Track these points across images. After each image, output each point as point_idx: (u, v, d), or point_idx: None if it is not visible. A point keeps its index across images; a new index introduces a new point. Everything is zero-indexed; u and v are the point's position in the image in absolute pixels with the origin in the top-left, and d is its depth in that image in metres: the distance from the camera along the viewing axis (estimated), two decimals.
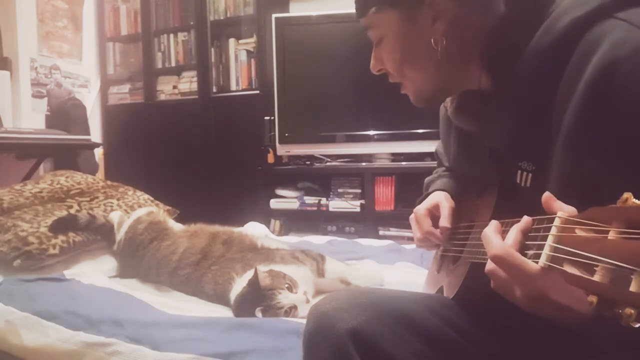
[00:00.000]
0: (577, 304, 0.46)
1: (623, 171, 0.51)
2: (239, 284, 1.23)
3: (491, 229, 0.56)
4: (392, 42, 0.73)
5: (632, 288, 0.35)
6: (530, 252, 0.50)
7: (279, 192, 2.89)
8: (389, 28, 0.72)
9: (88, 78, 3.44)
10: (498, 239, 0.54)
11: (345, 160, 2.87)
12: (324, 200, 2.76)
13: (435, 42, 0.68)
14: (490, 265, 0.54)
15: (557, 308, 0.49)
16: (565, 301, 0.47)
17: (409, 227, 0.97)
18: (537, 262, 0.48)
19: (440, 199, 0.92)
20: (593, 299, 0.39)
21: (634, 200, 0.38)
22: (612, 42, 0.54)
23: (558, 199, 0.50)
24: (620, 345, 0.50)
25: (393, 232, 2.62)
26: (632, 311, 0.35)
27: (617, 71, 0.52)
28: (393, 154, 2.77)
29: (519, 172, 0.67)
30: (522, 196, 0.66)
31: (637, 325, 0.35)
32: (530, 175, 0.66)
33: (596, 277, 0.38)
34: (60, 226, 1.53)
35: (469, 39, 0.68)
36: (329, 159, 2.87)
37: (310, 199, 2.80)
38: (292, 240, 2.05)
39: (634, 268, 0.35)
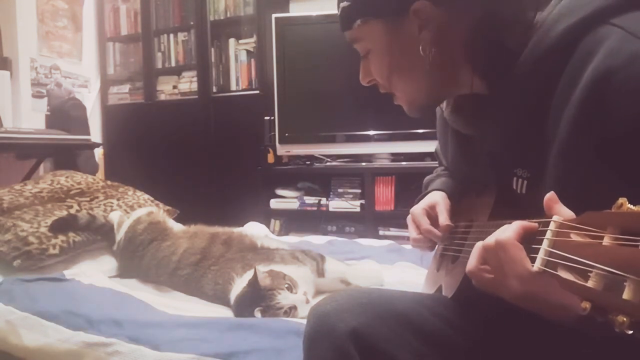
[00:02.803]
0: (571, 304, 0.46)
1: (617, 180, 0.51)
2: (239, 284, 1.23)
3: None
4: (379, 54, 0.73)
5: (625, 295, 0.35)
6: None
7: (279, 192, 2.89)
8: (375, 40, 0.72)
9: (88, 78, 3.44)
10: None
11: (345, 160, 2.87)
12: (324, 200, 2.76)
13: (423, 50, 0.67)
14: (472, 264, 0.55)
15: (549, 307, 0.49)
16: (559, 302, 0.47)
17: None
18: (532, 266, 0.48)
19: (437, 199, 0.92)
20: (587, 305, 0.39)
21: (629, 206, 0.38)
22: (607, 50, 0.53)
23: None
24: (613, 339, 0.51)
25: (393, 232, 2.62)
26: (625, 319, 0.35)
27: (612, 80, 0.52)
28: (393, 154, 2.77)
29: (515, 178, 0.67)
30: (518, 201, 0.66)
31: (630, 332, 0.35)
32: (525, 182, 0.66)
33: (590, 283, 0.38)
34: (60, 226, 1.53)
35: (456, 46, 0.68)
36: (329, 159, 2.87)
37: (310, 199, 2.80)
38: (292, 240, 2.05)
39: (627, 275, 0.35)
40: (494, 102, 0.68)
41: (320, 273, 1.35)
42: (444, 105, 0.82)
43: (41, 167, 2.74)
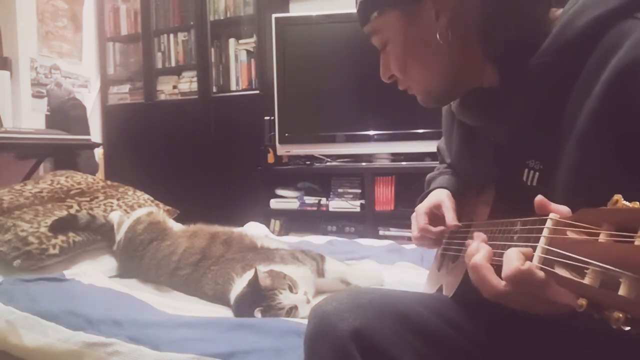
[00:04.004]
0: (568, 301, 0.46)
1: (635, 173, 0.50)
2: (239, 285, 1.23)
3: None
4: (396, 43, 0.73)
5: (621, 292, 0.35)
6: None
7: (279, 192, 2.89)
8: (393, 30, 0.72)
9: (88, 78, 3.44)
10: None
11: (345, 160, 2.87)
12: (324, 200, 2.76)
13: (440, 36, 0.67)
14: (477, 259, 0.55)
15: (543, 304, 0.49)
16: (556, 299, 0.47)
17: (409, 227, 0.96)
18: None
19: (441, 198, 0.91)
20: (583, 302, 0.39)
21: (624, 202, 0.38)
22: (633, 43, 0.53)
23: (566, 199, 0.49)
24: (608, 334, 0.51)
25: (393, 232, 2.62)
26: (621, 315, 0.35)
27: (636, 73, 0.51)
28: (393, 154, 2.77)
29: (526, 170, 0.67)
30: (526, 195, 0.66)
31: (627, 329, 0.35)
32: (537, 174, 0.65)
33: (586, 280, 0.39)
34: (60, 226, 1.53)
35: (472, 31, 0.67)
36: (329, 159, 2.87)
37: (310, 199, 2.80)
38: (292, 240, 2.05)
39: (623, 271, 0.35)
40: (508, 93, 0.67)
41: (320, 273, 1.35)
42: None
43: (41, 167, 2.74)
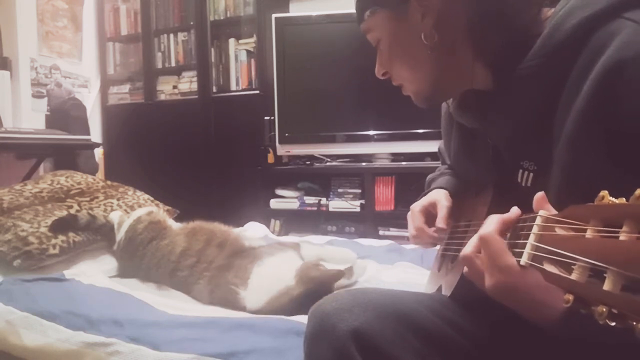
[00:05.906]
0: (553, 300, 0.47)
1: (625, 172, 0.51)
2: (258, 294, 1.21)
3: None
4: (386, 42, 0.75)
5: (605, 286, 0.35)
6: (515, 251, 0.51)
7: (279, 192, 2.89)
8: (383, 29, 0.74)
9: (88, 78, 3.44)
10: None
11: (345, 160, 2.87)
12: (324, 200, 2.76)
13: (425, 37, 0.68)
14: (467, 250, 0.56)
15: (530, 303, 0.49)
16: (541, 298, 0.48)
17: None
18: (519, 260, 0.49)
19: (438, 197, 0.92)
20: (569, 297, 0.39)
21: (610, 198, 0.39)
22: (620, 43, 0.53)
23: (559, 199, 0.50)
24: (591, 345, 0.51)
25: (393, 232, 2.62)
26: (604, 309, 0.35)
27: (624, 72, 0.52)
28: (393, 154, 2.77)
29: (521, 171, 0.67)
30: (521, 195, 0.67)
31: (612, 324, 0.35)
32: (531, 175, 0.66)
33: (573, 276, 0.39)
34: (60, 226, 1.53)
35: (459, 33, 0.68)
36: (329, 159, 2.87)
37: (310, 199, 2.80)
38: (292, 240, 2.04)
39: (608, 266, 0.35)
40: (502, 95, 0.68)
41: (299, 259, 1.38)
42: (450, 100, 0.82)
43: (41, 167, 2.73)
